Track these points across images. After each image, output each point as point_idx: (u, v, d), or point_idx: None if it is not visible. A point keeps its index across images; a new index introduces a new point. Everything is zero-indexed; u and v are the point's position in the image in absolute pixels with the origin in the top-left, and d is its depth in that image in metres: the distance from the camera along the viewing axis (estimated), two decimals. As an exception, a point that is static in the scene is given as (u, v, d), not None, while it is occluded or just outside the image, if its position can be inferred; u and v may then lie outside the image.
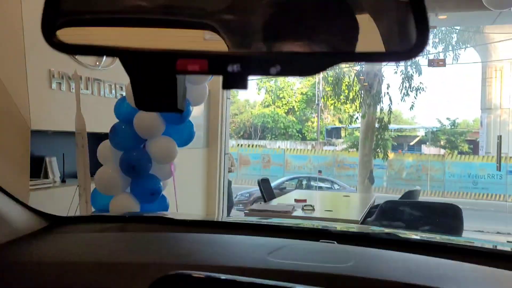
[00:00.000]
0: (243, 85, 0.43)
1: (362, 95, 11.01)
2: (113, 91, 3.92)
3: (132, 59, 0.45)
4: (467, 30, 11.27)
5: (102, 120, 3.41)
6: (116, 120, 2.83)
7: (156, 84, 0.52)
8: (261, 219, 1.59)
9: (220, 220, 2.17)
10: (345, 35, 0.43)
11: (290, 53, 0.43)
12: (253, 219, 1.73)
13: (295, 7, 0.44)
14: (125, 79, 3.90)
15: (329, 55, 0.43)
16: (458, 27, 10.02)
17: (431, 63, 7.28)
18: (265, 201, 5.84)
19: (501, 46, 13.29)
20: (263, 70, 0.41)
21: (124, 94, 3.60)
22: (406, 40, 0.39)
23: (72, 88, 3.45)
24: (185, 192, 4.25)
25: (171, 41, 0.49)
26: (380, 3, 0.46)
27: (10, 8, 3.15)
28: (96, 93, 3.74)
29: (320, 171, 14.16)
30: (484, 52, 15.09)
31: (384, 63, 11.43)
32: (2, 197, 1.01)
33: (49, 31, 0.44)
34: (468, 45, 12.51)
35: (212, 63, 0.41)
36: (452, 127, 21.55)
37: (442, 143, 21.57)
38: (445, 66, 7.41)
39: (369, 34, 0.43)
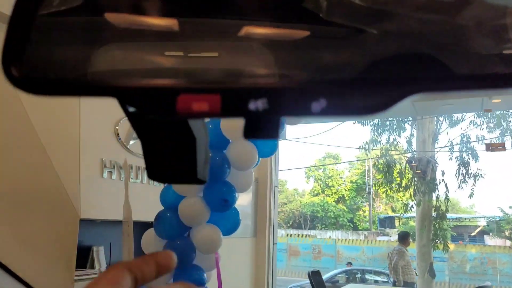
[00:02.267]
0: (272, 131, 0.31)
1: (415, 183, 10.62)
2: (162, 180, 3.94)
3: (125, 98, 0.34)
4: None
5: (149, 208, 3.40)
6: (161, 208, 2.80)
7: (168, 143, 0.43)
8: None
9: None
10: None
11: (342, 81, 0.30)
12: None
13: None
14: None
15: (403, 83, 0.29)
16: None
17: (489, 147, 6.99)
18: (316, 296, 5.46)
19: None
20: (302, 107, 0.29)
21: (171, 182, 3.59)
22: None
23: (122, 177, 3.51)
24: (230, 284, 4.05)
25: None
26: None
27: (69, 100, 3.33)
28: (145, 181, 3.78)
29: (350, 263, 13.38)
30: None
31: (436, 150, 11.14)
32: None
33: (8, 60, 0.32)
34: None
35: (227, 100, 0.30)
36: (517, 216, 20.16)
37: (507, 233, 20.08)
38: (505, 150, 7.09)
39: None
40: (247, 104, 0.29)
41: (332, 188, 24.48)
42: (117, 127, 3.63)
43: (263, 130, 0.31)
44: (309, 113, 0.29)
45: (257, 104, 0.29)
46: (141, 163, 3.78)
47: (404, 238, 7.34)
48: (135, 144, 3.73)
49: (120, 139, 3.63)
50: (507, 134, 11.17)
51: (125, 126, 3.68)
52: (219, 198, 2.56)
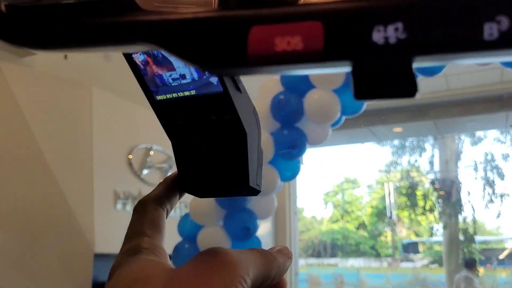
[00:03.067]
0: (407, 84, 0.18)
1: (440, 205, 10.28)
2: (177, 210, 3.79)
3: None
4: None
5: (165, 240, 3.24)
6: (179, 240, 2.63)
7: (211, 143, 0.37)
8: None
9: None
10: None
11: None
12: None
13: None
14: (188, 197, 3.80)
15: None
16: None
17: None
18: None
19: None
20: (467, 34, 0.17)
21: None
22: None
23: (137, 208, 3.36)
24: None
25: None
26: None
27: (81, 131, 3.23)
28: (161, 212, 3.63)
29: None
30: None
31: (459, 170, 10.83)
32: None
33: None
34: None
35: (334, 29, 0.18)
36: (546, 236, 19.43)
37: (536, 255, 19.30)
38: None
39: None
40: (368, 34, 0.17)
41: (351, 214, 24.00)
42: (130, 156, 3.51)
43: (393, 83, 0.18)
44: (476, 45, 0.17)
45: (388, 33, 0.17)
46: (157, 192, 3.64)
47: (471, 264, 6.86)
48: (149, 173, 3.60)
49: (133, 168, 3.50)
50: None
51: (138, 154, 3.56)
52: (241, 227, 2.38)
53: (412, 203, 11.21)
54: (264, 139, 2.37)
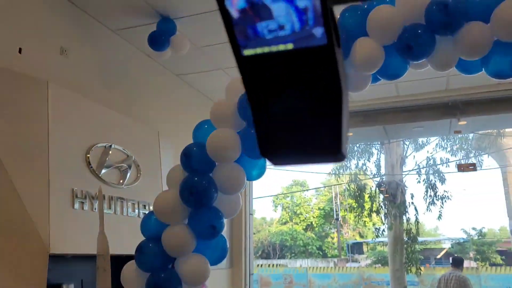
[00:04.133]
0: None
1: (386, 207, 10.69)
2: (136, 210, 3.74)
3: None
4: (488, 135, 11.30)
5: (125, 241, 3.18)
6: (139, 240, 2.60)
7: (302, 99, 0.35)
8: None
9: None
10: None
11: None
12: None
13: None
14: (148, 197, 3.75)
15: None
16: (480, 132, 10.06)
17: (461, 168, 7.14)
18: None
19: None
20: None
21: (147, 211, 3.42)
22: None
23: (95, 208, 3.28)
24: (212, 319, 3.81)
25: None
26: None
27: (36, 128, 3.12)
28: (119, 212, 3.56)
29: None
30: (502, 157, 14.98)
31: (404, 173, 11.30)
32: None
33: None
34: (486, 151, 12.44)
35: None
36: (480, 237, 20.63)
37: (471, 255, 20.47)
38: (475, 170, 7.26)
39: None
40: None
41: (300, 215, 24.39)
42: (88, 155, 3.43)
43: None
44: None
45: None
46: (115, 192, 3.57)
47: (460, 263, 6.41)
48: (107, 172, 3.52)
49: (91, 167, 3.42)
50: (471, 155, 11.50)
51: (96, 153, 3.48)
52: (206, 225, 2.40)
53: (360, 205, 11.58)
54: (230, 138, 2.41)
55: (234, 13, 0.33)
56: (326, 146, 0.34)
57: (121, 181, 3.64)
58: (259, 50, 0.34)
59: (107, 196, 3.49)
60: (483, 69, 2.53)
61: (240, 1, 0.33)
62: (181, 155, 2.43)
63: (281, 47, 0.33)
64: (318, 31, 0.32)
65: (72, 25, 3.71)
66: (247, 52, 0.35)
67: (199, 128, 2.55)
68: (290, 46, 0.33)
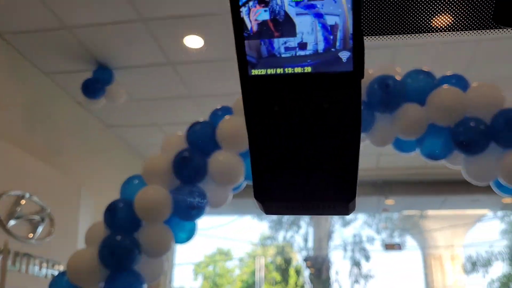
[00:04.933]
0: None
1: (312, 282, 10.56)
2: (44, 269, 3.33)
3: None
4: (411, 216, 11.78)
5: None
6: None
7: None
8: None
9: None
10: None
11: None
12: None
13: None
14: (61, 255, 3.37)
15: None
16: (405, 212, 10.47)
17: (388, 247, 7.28)
18: None
19: (438, 234, 13.82)
20: None
21: (56, 272, 3.05)
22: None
23: (-5, 264, 2.88)
24: None
25: None
26: None
27: None
28: (24, 270, 3.15)
29: None
30: (423, 239, 15.62)
31: (331, 249, 11.36)
32: None
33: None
34: (410, 232, 12.91)
35: None
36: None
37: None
38: (401, 249, 7.42)
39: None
40: None
41: (221, 287, 23.54)
42: (-4, 204, 3.06)
43: None
44: None
45: None
46: (23, 247, 3.16)
47: None
48: (17, 224, 3.15)
49: (-2, 217, 3.04)
50: (394, 235, 11.85)
51: (6, 202, 3.12)
52: (124, 291, 2.14)
53: (284, 279, 11.36)
54: (162, 197, 2.24)
55: (250, 25, 0.28)
56: (338, 192, 0.29)
57: (30, 234, 3.26)
58: (270, 71, 0.29)
59: (13, 251, 3.09)
60: (417, 149, 2.60)
61: (262, 12, 0.27)
62: (105, 211, 2.21)
63: (298, 69, 0.28)
64: (345, 55, 0.28)
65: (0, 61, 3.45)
66: (256, 71, 0.29)
67: (128, 183, 2.36)
68: (308, 69, 0.28)
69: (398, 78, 2.44)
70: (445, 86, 2.38)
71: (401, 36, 0.39)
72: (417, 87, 2.45)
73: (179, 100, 4.17)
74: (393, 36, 0.38)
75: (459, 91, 2.34)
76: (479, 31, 0.39)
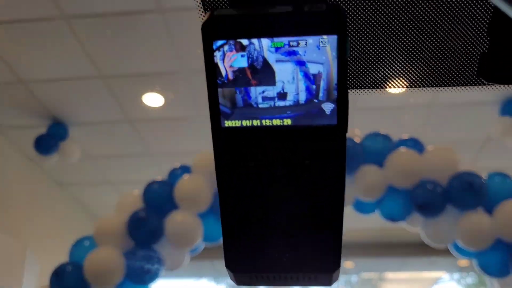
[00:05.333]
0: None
1: None
2: None
3: None
4: (369, 279, 11.69)
5: None
6: None
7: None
8: None
9: None
10: None
11: None
12: None
13: None
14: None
15: None
16: (363, 275, 10.40)
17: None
18: None
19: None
20: None
21: None
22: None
23: None
24: None
25: None
26: None
27: None
28: None
29: None
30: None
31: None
32: None
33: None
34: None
35: None
36: None
37: None
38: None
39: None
40: None
41: None
42: None
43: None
44: None
45: None
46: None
47: None
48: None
49: None
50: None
51: None
52: None
53: None
54: (114, 260, 2.10)
55: (225, 71, 0.25)
56: (321, 261, 0.26)
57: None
58: (246, 122, 0.26)
59: None
60: (376, 210, 2.61)
61: (238, 58, 0.25)
62: (52, 275, 2.05)
63: (277, 122, 0.26)
64: (328, 107, 0.26)
65: None
66: (230, 123, 0.27)
67: (78, 245, 2.21)
68: (288, 121, 0.26)
69: (357, 140, 2.48)
70: (402, 148, 2.43)
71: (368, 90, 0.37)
72: (376, 149, 2.49)
73: (136, 158, 4.08)
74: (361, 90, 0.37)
75: (415, 153, 2.40)
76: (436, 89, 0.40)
